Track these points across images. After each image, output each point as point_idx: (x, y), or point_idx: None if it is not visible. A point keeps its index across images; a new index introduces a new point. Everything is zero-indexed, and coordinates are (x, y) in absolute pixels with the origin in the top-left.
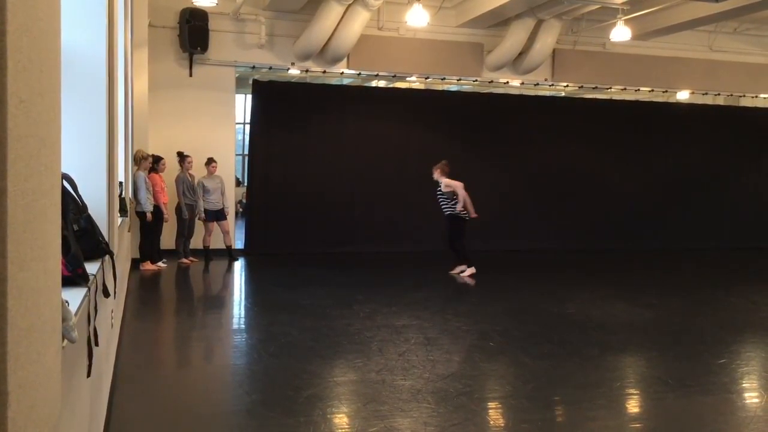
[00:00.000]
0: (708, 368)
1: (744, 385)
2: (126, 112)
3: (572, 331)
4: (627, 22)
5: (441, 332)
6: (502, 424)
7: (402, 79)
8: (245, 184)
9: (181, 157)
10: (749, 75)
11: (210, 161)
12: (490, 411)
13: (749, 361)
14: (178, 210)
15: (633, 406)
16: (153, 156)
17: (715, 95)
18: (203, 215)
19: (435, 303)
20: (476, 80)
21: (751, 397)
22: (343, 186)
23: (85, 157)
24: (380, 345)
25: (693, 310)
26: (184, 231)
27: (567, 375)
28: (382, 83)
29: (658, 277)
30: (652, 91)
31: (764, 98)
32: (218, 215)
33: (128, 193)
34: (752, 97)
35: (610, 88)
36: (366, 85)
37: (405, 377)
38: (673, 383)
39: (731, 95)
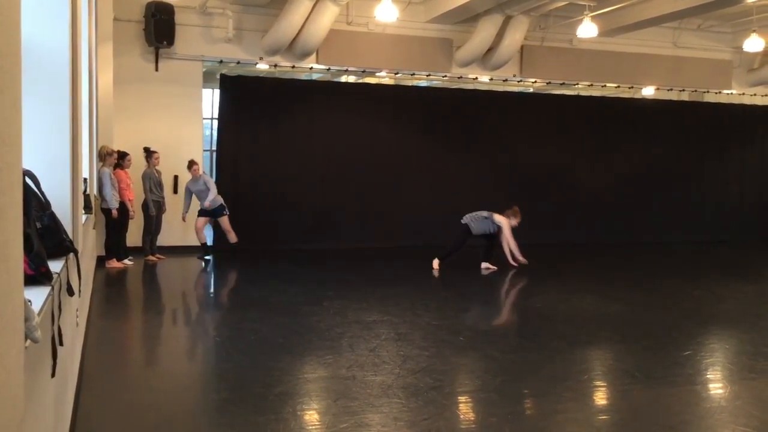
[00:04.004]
0: (673, 360)
1: (708, 376)
2: (90, 107)
3: (541, 325)
4: (594, 18)
5: (411, 328)
6: (472, 418)
7: (371, 74)
8: (213, 180)
9: (148, 152)
10: (713, 71)
11: (191, 164)
12: (460, 405)
13: (713, 353)
14: (145, 206)
15: (600, 398)
16: (118, 152)
17: (680, 91)
18: (185, 216)
19: (405, 299)
20: (445, 76)
21: (716, 388)
22: (313, 182)
23: (48, 153)
24: (351, 341)
25: (659, 303)
26: (151, 227)
27: (535, 368)
28: (351, 78)
29: (624, 270)
30: (619, 87)
31: (727, 94)
32: (215, 212)
33: (93, 190)
34: (716, 93)
35: (578, 84)
36: (335, 80)
37: (375, 373)
38: (639, 375)
39: (695, 91)
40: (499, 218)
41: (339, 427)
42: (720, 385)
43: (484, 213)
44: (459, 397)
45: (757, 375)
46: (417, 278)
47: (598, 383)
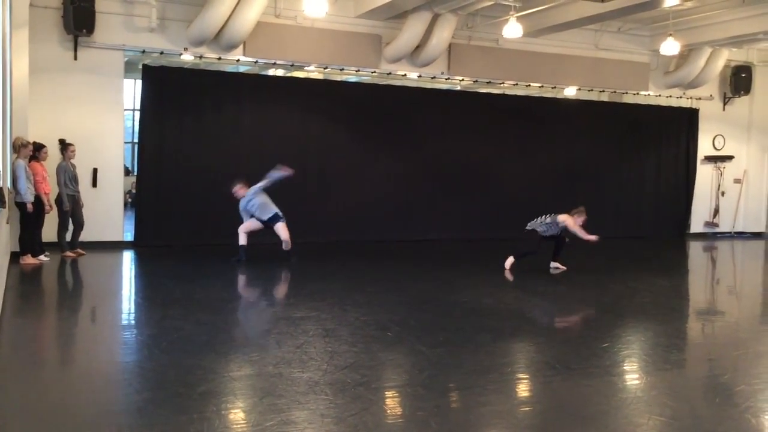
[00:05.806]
0: (591, 352)
1: (625, 367)
2: (3, 96)
3: (466, 319)
4: (519, 19)
5: (339, 323)
6: (399, 413)
7: (300, 68)
8: (135, 173)
9: (63, 145)
10: (631, 72)
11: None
12: (387, 400)
13: (630, 345)
14: (59, 201)
15: (522, 390)
16: (34, 143)
17: (600, 91)
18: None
19: (333, 294)
20: (375, 72)
21: (632, 379)
22: (240, 176)
23: None
24: (278, 338)
25: (578, 297)
26: (66, 223)
27: (461, 362)
28: (279, 72)
29: (546, 265)
30: (542, 86)
31: (645, 95)
32: (270, 221)
33: (6, 183)
34: (634, 94)
35: (503, 83)
36: (263, 73)
37: (303, 370)
38: (559, 367)
39: (615, 92)
40: (563, 217)
41: (265, 425)
42: (636, 376)
43: (548, 218)
44: (386, 392)
45: (671, 366)
46: (345, 274)
47: (521, 375)
